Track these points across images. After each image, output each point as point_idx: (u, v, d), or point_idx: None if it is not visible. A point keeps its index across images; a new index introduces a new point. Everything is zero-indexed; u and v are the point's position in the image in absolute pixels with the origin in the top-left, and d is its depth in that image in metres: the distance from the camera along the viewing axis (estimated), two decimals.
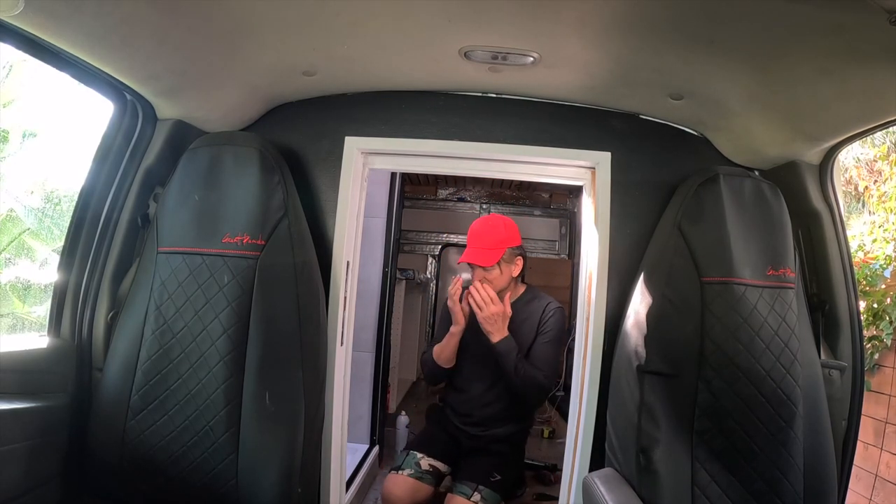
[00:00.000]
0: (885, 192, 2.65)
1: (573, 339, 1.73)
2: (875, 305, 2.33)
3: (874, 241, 2.55)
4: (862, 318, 1.55)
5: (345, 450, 1.68)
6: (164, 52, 1.23)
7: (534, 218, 5.36)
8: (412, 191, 5.26)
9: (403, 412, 3.18)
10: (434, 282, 5.36)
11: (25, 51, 1.09)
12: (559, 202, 5.36)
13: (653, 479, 1.29)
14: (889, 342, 2.24)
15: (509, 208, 5.38)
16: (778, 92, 1.28)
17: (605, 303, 1.57)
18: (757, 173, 1.56)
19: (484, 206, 5.36)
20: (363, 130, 1.64)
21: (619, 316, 1.51)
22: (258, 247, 1.37)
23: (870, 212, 3.02)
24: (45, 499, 1.22)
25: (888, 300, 2.30)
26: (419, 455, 1.81)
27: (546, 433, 3.65)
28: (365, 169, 1.69)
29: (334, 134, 1.64)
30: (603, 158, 1.62)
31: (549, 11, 1.16)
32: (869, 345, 2.25)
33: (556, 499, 1.82)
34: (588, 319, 1.61)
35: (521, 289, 1.90)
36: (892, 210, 2.55)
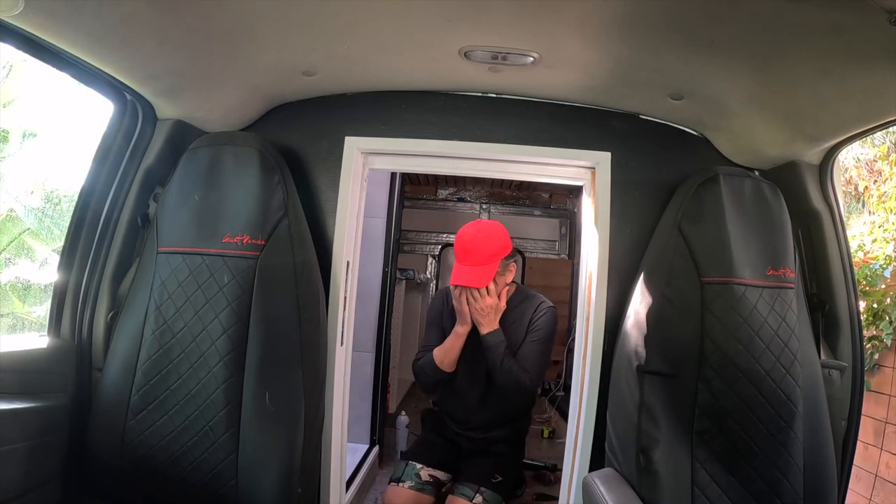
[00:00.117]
0: (885, 192, 2.65)
1: (573, 339, 1.72)
2: (875, 305, 2.33)
3: (874, 241, 2.55)
4: (862, 318, 1.55)
5: (345, 450, 1.68)
6: (164, 52, 1.23)
7: (534, 218, 5.36)
8: (412, 191, 5.25)
9: (403, 412, 3.18)
10: (434, 282, 5.35)
11: (25, 51, 1.09)
12: (559, 202, 5.36)
13: (653, 479, 1.29)
14: (889, 342, 2.24)
15: (509, 208, 5.38)
16: (778, 92, 1.28)
17: (605, 303, 1.57)
18: (757, 173, 1.56)
19: (484, 206, 5.36)
20: (363, 130, 1.64)
21: (619, 316, 1.51)
22: (258, 247, 1.37)
23: (870, 212, 3.02)
24: (45, 499, 1.22)
25: (888, 300, 2.30)
26: (418, 466, 1.78)
27: (546, 433, 3.65)
28: (365, 169, 1.69)
29: (334, 134, 1.64)
30: (603, 158, 1.62)
31: (549, 11, 1.16)
32: (869, 345, 2.25)
33: (556, 499, 1.82)
34: (588, 319, 1.61)
35: (511, 288, 1.83)
36: (892, 210, 2.55)
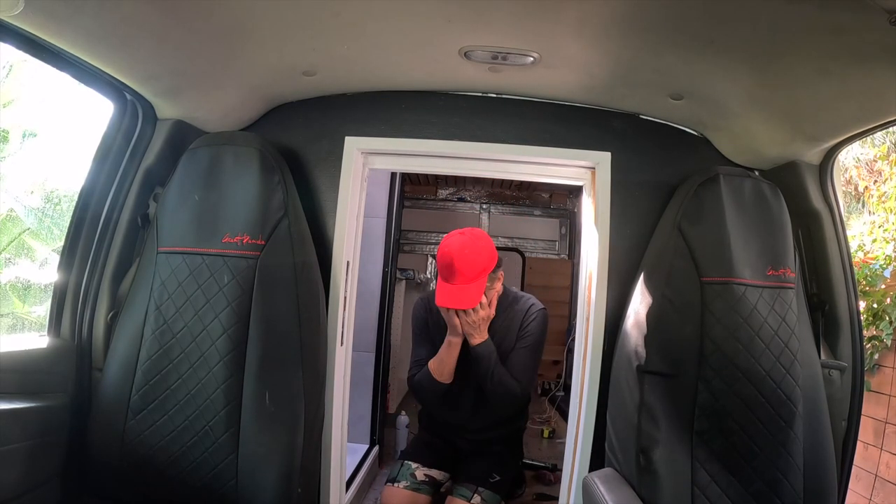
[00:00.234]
0: (885, 192, 2.65)
1: (573, 339, 1.72)
2: (875, 305, 2.33)
3: (874, 241, 2.55)
4: (862, 318, 1.55)
5: (345, 450, 1.68)
6: (164, 52, 1.23)
7: (534, 218, 5.37)
8: (412, 191, 5.25)
9: (403, 412, 3.17)
10: (434, 282, 5.35)
11: (25, 51, 1.09)
12: (559, 202, 5.36)
13: (653, 479, 1.29)
14: (889, 342, 2.24)
15: (509, 208, 5.38)
16: (778, 92, 1.28)
17: (605, 303, 1.57)
18: (757, 173, 1.56)
19: (484, 206, 5.36)
20: (363, 130, 1.64)
21: (619, 316, 1.51)
22: (258, 247, 1.37)
23: (870, 212, 3.02)
24: (45, 499, 1.22)
25: (888, 300, 2.30)
26: (414, 465, 1.78)
27: (546, 433, 3.65)
28: (365, 169, 1.69)
29: (334, 134, 1.64)
30: (603, 158, 1.62)
31: (549, 11, 1.16)
32: (869, 345, 2.25)
33: (556, 499, 1.82)
34: (588, 319, 1.61)
35: (500, 289, 1.77)
36: (892, 210, 2.55)
